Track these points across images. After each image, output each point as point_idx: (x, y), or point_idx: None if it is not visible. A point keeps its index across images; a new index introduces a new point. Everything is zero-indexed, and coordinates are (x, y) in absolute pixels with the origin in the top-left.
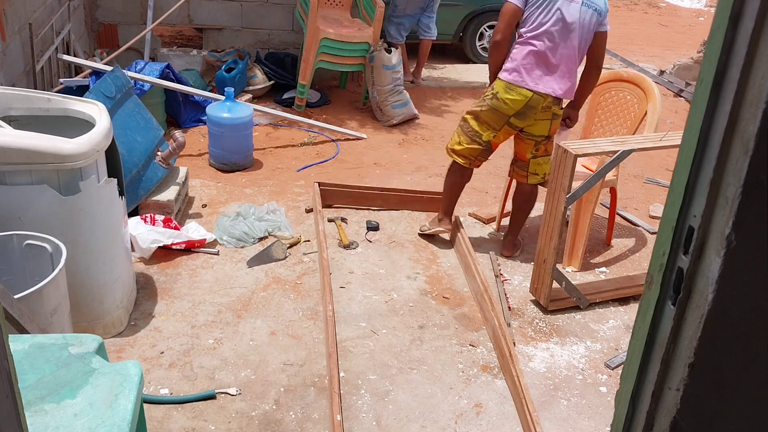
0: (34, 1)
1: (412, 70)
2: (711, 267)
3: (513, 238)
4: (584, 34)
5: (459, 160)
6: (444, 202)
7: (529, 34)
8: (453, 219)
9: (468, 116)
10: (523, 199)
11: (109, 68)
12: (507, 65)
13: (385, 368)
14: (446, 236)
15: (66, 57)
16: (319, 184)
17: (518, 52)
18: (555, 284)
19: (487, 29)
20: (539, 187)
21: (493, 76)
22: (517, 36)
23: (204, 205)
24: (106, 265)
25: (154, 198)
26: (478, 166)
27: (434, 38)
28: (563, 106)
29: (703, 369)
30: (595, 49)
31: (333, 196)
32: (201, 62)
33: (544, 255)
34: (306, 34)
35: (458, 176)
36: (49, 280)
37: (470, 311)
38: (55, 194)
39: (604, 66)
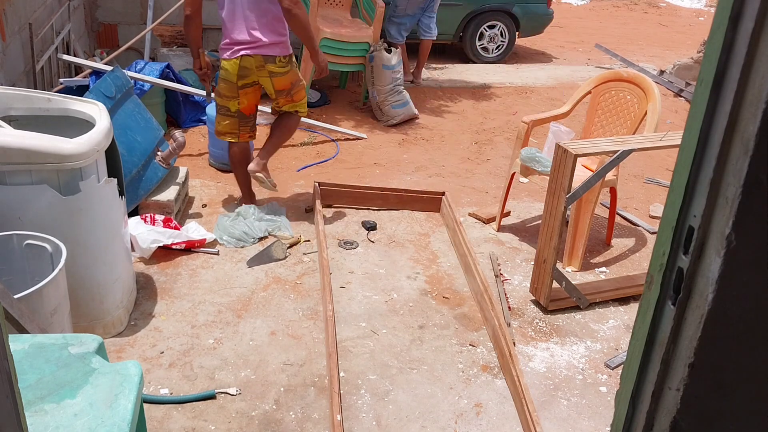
0: (34, 1)
1: (412, 70)
2: (711, 267)
3: (267, 154)
4: None
5: (228, 139)
6: (240, 187)
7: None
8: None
9: (216, 98)
10: (280, 119)
11: (109, 68)
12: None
13: (385, 368)
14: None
15: (66, 57)
16: (320, 183)
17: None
18: (555, 284)
19: (487, 29)
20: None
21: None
22: None
23: (204, 205)
24: (106, 265)
25: (154, 198)
26: (247, 137)
27: (435, 38)
28: (283, 60)
29: (703, 369)
30: None
31: (333, 196)
32: None
33: (544, 255)
34: None
35: (234, 153)
36: (49, 280)
37: (470, 311)
38: (55, 194)
39: (603, 66)
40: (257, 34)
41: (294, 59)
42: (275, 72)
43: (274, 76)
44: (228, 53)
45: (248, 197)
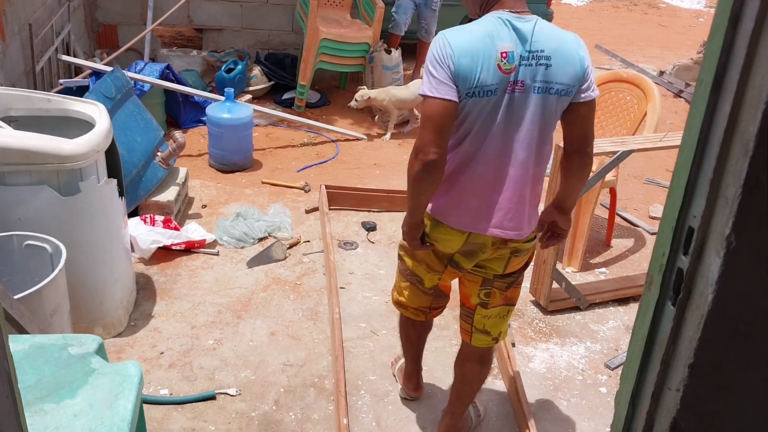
0: (34, 1)
1: (410, 71)
2: (711, 267)
3: (456, 421)
4: (546, 126)
5: (410, 315)
6: (406, 360)
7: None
8: (419, 382)
9: (401, 252)
10: (470, 370)
11: (108, 69)
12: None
13: (385, 369)
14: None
15: (66, 57)
16: (326, 186)
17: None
18: (555, 285)
19: None
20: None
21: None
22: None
23: (204, 206)
24: (106, 265)
25: (154, 198)
26: (438, 314)
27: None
28: (531, 237)
29: (703, 369)
30: (575, 126)
31: (339, 198)
32: (201, 63)
33: (544, 255)
34: (306, 34)
35: (412, 331)
36: (49, 281)
37: None
38: (55, 195)
39: (603, 66)
40: (526, 208)
41: None
42: (520, 250)
43: (516, 254)
44: (454, 219)
45: (413, 383)
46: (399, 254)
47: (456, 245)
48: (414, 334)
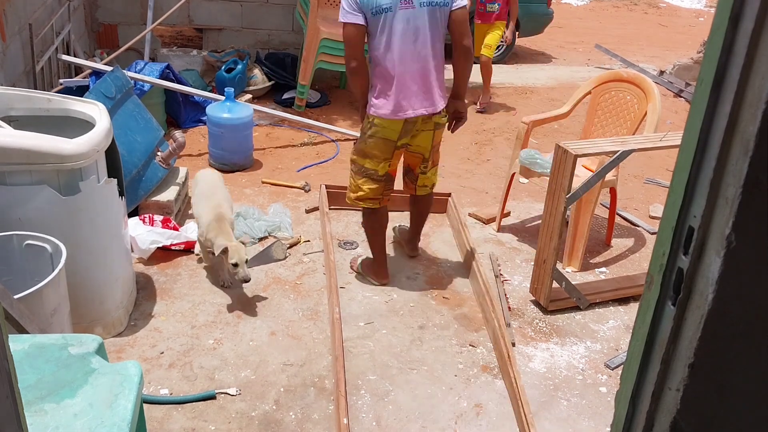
0: (34, 1)
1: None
2: (711, 267)
3: (417, 239)
4: (436, 30)
5: (367, 205)
6: (373, 251)
7: (377, 53)
8: (387, 270)
9: (355, 157)
10: (423, 208)
11: (109, 68)
12: (371, 98)
13: (385, 368)
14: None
15: (66, 57)
16: (327, 186)
17: (375, 78)
18: (555, 284)
19: None
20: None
21: (363, 105)
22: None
23: None
24: (106, 265)
25: (154, 198)
26: (388, 201)
27: None
28: (444, 114)
29: (703, 369)
30: (454, 28)
31: (339, 198)
32: (201, 62)
33: (544, 255)
34: (306, 34)
35: (374, 220)
36: (49, 281)
37: (470, 311)
38: (55, 194)
39: (603, 66)
40: (435, 84)
41: None
42: (440, 123)
43: (438, 128)
44: (389, 110)
45: (383, 270)
46: (352, 159)
47: (396, 132)
48: (377, 222)
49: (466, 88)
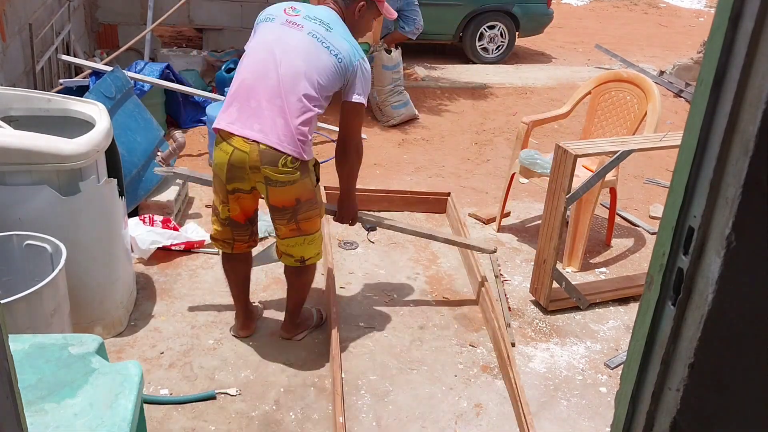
0: (34, 1)
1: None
2: (711, 267)
3: (287, 318)
4: (309, 74)
5: (218, 247)
6: (234, 299)
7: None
8: (246, 321)
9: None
10: (289, 278)
11: (109, 68)
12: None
13: (385, 368)
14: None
15: (66, 57)
16: (326, 187)
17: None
18: (555, 284)
19: (487, 29)
20: None
21: None
22: None
23: (208, 206)
24: (106, 265)
25: (154, 198)
26: (246, 247)
27: (410, 36)
28: (290, 166)
29: (703, 369)
30: (341, 118)
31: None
32: (201, 62)
33: (544, 255)
34: None
35: (226, 266)
36: (49, 281)
37: (470, 311)
38: (55, 194)
39: (603, 66)
40: (277, 115)
41: (312, 170)
42: (272, 179)
43: (270, 184)
44: (223, 122)
45: (239, 321)
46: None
47: (223, 168)
48: (228, 266)
49: (348, 192)
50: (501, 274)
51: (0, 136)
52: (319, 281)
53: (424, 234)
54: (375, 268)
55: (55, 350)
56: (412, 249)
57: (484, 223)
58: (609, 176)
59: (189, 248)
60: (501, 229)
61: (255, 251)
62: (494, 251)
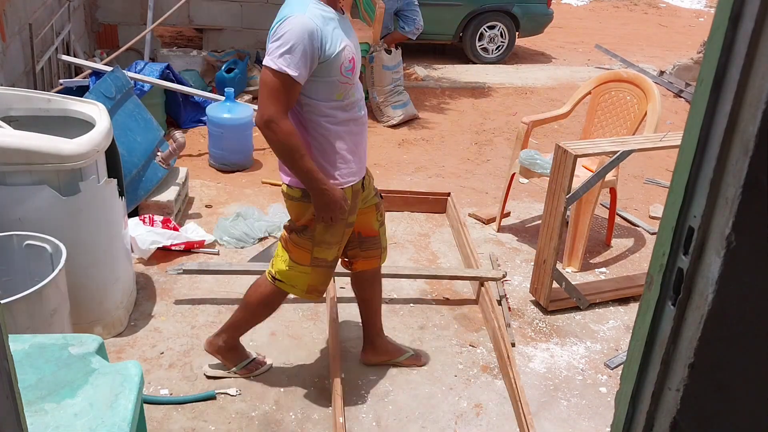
0: (34, 1)
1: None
2: (711, 267)
3: (222, 331)
4: None
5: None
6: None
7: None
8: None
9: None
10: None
11: (109, 69)
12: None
13: (385, 369)
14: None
15: (66, 57)
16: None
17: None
18: (555, 284)
19: (487, 29)
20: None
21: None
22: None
23: (208, 206)
24: (106, 265)
25: (154, 198)
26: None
27: (410, 36)
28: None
29: (703, 369)
30: None
31: None
32: (201, 63)
33: (544, 255)
34: None
35: (279, 304)
36: (49, 281)
37: (470, 311)
38: (55, 194)
39: (603, 66)
40: None
41: (305, 201)
42: (289, 195)
43: (284, 197)
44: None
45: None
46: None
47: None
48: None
49: (307, 184)
50: (506, 297)
51: (0, 136)
52: None
53: (429, 276)
54: None
55: (55, 350)
56: (412, 249)
57: (484, 223)
58: (609, 176)
59: (189, 248)
60: (501, 229)
61: (255, 251)
62: (503, 277)
